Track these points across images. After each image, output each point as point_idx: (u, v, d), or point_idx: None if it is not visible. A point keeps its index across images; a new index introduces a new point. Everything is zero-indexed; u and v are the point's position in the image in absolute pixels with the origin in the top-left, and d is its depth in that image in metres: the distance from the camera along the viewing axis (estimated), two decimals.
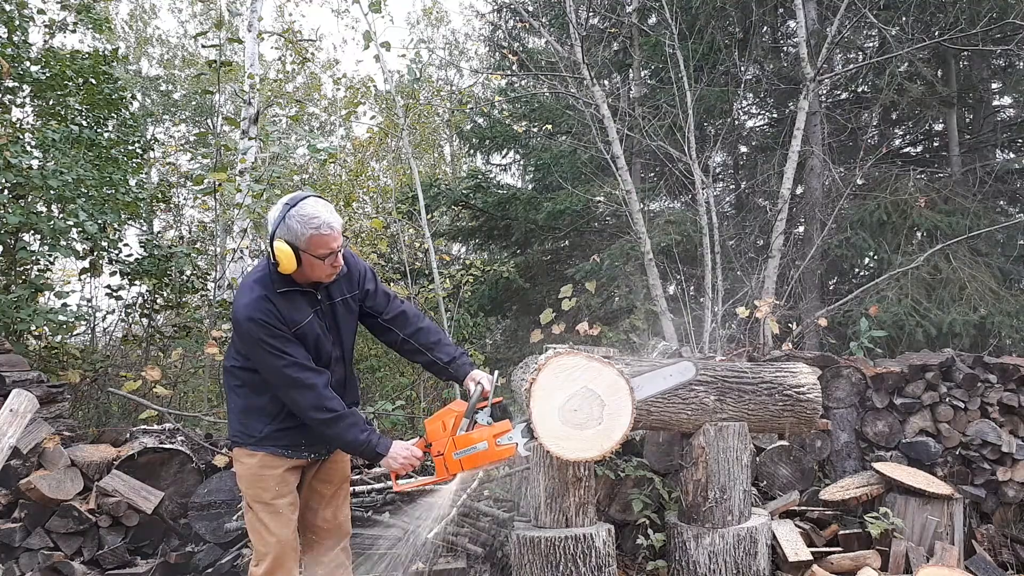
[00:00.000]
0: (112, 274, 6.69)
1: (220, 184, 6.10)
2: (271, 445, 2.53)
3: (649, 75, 10.15)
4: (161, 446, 4.10)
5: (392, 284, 8.28)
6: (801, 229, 9.14)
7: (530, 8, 10.19)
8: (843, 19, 7.47)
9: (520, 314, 10.70)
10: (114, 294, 6.83)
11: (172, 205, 10.37)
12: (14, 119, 6.37)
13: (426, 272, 8.67)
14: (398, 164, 10.83)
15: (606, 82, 10.19)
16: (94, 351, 6.95)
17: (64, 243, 5.54)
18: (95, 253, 6.34)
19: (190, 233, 10.76)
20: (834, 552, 3.79)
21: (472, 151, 11.39)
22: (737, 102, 9.27)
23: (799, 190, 9.05)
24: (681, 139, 7.10)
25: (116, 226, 6.29)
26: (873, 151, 8.74)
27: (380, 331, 2.77)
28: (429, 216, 8.62)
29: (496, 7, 10.38)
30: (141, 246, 6.75)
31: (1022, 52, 8.44)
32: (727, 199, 10.97)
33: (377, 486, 4.08)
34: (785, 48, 10.13)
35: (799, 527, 3.86)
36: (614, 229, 9.40)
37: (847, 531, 3.92)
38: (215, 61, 6.61)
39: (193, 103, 15.50)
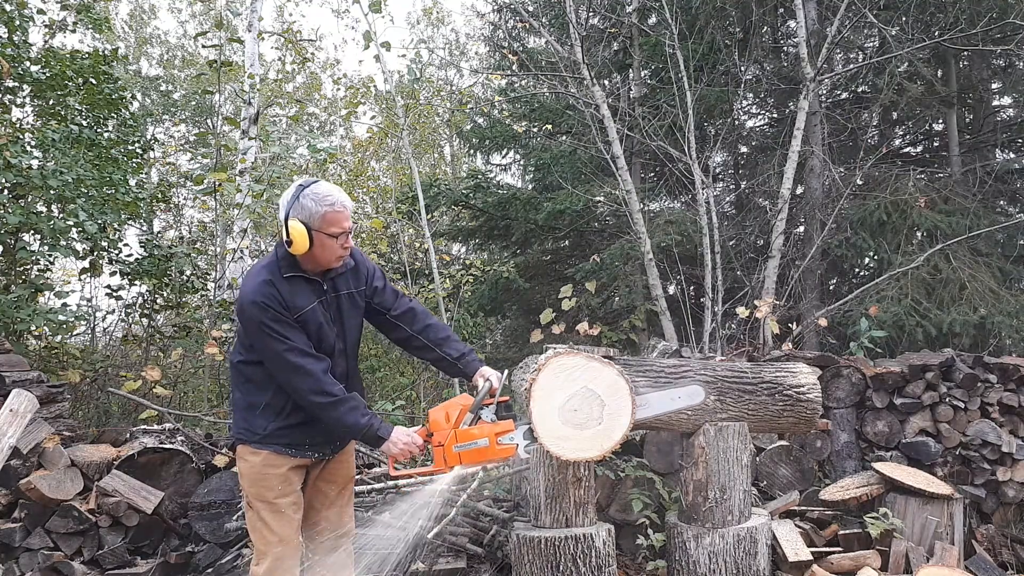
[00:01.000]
0: (112, 274, 6.69)
1: (220, 184, 6.10)
2: (274, 443, 2.54)
3: (649, 75, 10.14)
4: (161, 446, 4.10)
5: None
6: (801, 229, 9.13)
7: (530, 8, 10.20)
8: (843, 19, 7.47)
9: (520, 314, 10.70)
10: (114, 294, 6.82)
11: (172, 205, 10.39)
12: (14, 119, 6.37)
13: (426, 272, 8.68)
14: (398, 164, 10.84)
15: (606, 82, 10.18)
16: (94, 351, 6.95)
17: (64, 243, 5.53)
18: (95, 253, 6.33)
19: (190, 233, 10.77)
20: (834, 552, 3.80)
21: (472, 151, 11.39)
22: (737, 102, 9.27)
23: (799, 190, 9.04)
24: (681, 139, 7.10)
25: (116, 226, 6.28)
26: (873, 151, 8.73)
27: (389, 328, 2.79)
28: (429, 216, 8.63)
29: (496, 7, 10.37)
30: (141, 246, 6.74)
31: (1022, 52, 8.44)
32: (727, 199, 10.96)
33: (377, 486, 4.08)
34: (785, 48, 10.12)
35: (799, 527, 3.86)
36: (614, 229, 9.39)
37: (847, 531, 3.92)
38: (215, 61, 6.62)
39: (193, 103, 15.49)
